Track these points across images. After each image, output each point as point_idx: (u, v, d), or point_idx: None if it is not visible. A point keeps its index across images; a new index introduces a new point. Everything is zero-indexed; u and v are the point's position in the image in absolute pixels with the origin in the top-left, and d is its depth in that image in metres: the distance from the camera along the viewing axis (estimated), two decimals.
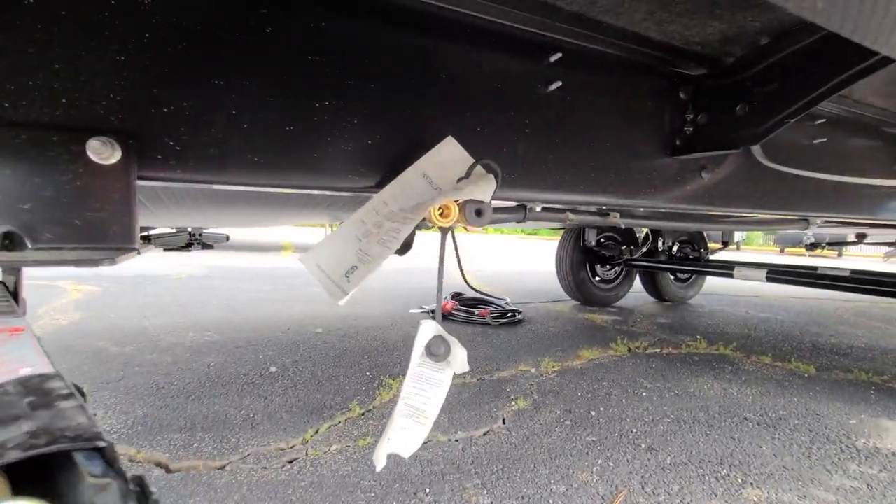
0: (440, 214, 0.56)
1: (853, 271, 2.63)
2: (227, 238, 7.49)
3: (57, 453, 0.18)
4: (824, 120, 1.08)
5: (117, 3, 0.46)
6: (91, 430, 0.19)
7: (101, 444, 0.18)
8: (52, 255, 0.41)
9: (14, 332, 0.33)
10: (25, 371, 0.25)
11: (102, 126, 0.45)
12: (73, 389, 0.23)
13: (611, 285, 3.98)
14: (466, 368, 0.62)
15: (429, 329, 0.60)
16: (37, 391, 0.22)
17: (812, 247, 5.46)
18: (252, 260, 6.46)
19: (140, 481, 0.16)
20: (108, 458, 0.18)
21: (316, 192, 0.62)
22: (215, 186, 0.55)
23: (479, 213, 0.57)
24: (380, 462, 0.62)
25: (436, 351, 0.60)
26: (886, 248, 5.44)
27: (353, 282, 0.57)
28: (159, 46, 0.48)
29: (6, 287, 0.55)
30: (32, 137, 0.42)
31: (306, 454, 1.31)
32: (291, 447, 1.34)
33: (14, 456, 0.17)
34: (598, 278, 3.92)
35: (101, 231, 0.43)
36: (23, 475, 0.18)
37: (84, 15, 0.45)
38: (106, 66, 0.46)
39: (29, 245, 0.40)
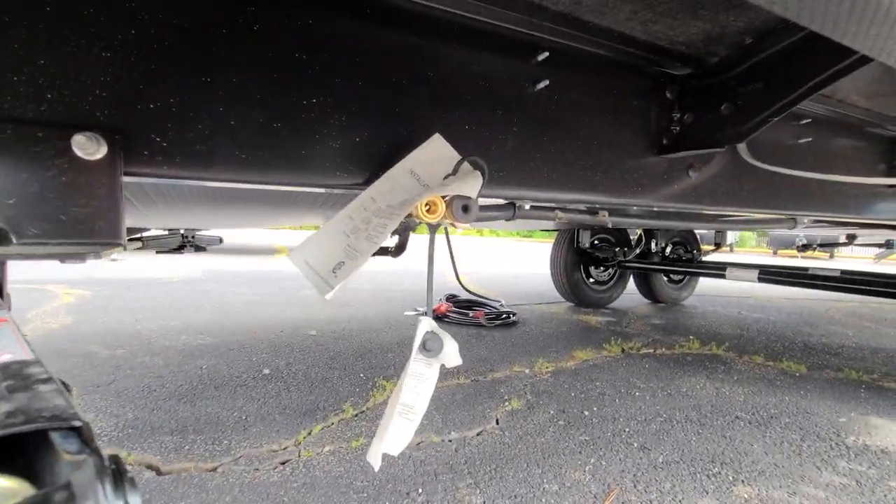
0: (427, 211, 0.57)
1: (843, 271, 2.66)
2: (221, 241, 7.45)
3: (34, 434, 0.18)
4: (809, 120, 1.09)
5: None
6: (68, 411, 0.19)
7: (77, 423, 0.18)
8: (36, 249, 0.41)
9: None
10: (5, 357, 0.25)
11: (88, 122, 0.45)
12: (52, 375, 0.23)
13: (605, 287, 3.99)
14: (460, 361, 0.62)
15: (426, 326, 0.61)
16: (15, 376, 0.22)
17: (803, 248, 5.52)
18: (245, 263, 6.44)
19: (116, 460, 0.17)
20: (84, 437, 0.18)
21: (304, 189, 0.63)
22: (202, 183, 0.55)
23: (465, 209, 0.57)
24: (376, 462, 0.62)
25: (430, 346, 0.60)
26: (877, 250, 5.50)
27: (340, 276, 0.58)
28: (146, 43, 0.49)
29: None
30: (17, 132, 0.42)
31: (299, 455, 1.30)
32: (284, 449, 1.34)
33: None
34: (592, 280, 3.94)
35: (87, 226, 0.43)
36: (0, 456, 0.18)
37: (70, 11, 0.45)
38: (92, 62, 0.46)
39: (14, 240, 0.40)
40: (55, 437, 0.18)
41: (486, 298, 3.36)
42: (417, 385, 0.59)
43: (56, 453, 0.17)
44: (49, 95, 0.44)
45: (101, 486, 0.15)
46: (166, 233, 3.01)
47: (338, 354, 2.27)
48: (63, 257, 0.42)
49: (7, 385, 0.21)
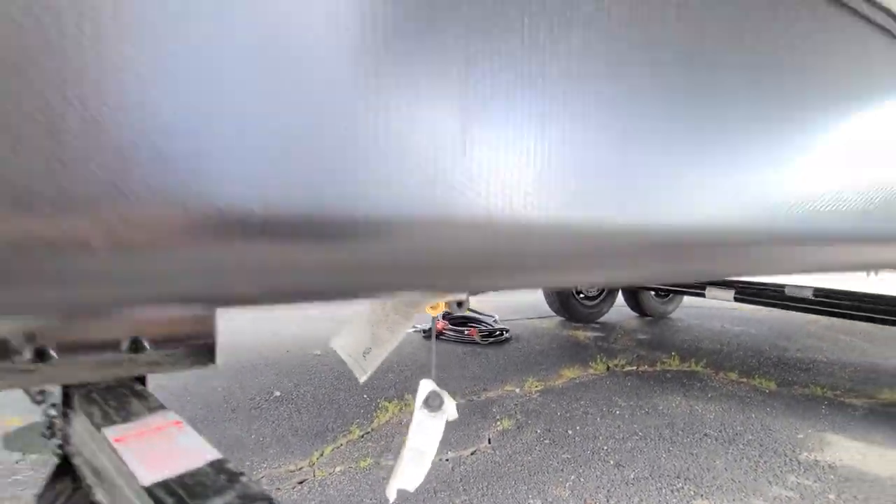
0: (431, 307, 0.75)
1: (816, 290, 2.85)
2: None
3: None
4: None
5: None
6: (266, 492, 0.36)
7: (272, 499, 0.36)
8: (164, 357, 0.58)
9: (177, 426, 0.49)
10: (209, 457, 0.42)
11: None
12: (239, 469, 0.41)
13: (594, 302, 4.18)
14: (456, 416, 0.80)
15: (426, 386, 0.79)
16: (223, 471, 0.39)
17: None
18: None
19: None
20: None
21: None
22: None
23: (459, 304, 0.76)
24: (392, 495, 0.79)
25: (432, 403, 0.78)
26: None
27: (370, 361, 0.75)
28: None
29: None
30: None
31: (314, 475, 1.48)
32: (300, 469, 1.51)
33: None
34: (581, 295, 4.12)
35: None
36: None
37: None
38: None
39: (147, 347, 0.57)
40: None
41: (481, 314, 3.53)
42: (426, 434, 0.76)
43: None
44: None
45: None
46: None
47: (342, 375, 2.44)
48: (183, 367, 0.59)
49: (224, 478, 0.38)
